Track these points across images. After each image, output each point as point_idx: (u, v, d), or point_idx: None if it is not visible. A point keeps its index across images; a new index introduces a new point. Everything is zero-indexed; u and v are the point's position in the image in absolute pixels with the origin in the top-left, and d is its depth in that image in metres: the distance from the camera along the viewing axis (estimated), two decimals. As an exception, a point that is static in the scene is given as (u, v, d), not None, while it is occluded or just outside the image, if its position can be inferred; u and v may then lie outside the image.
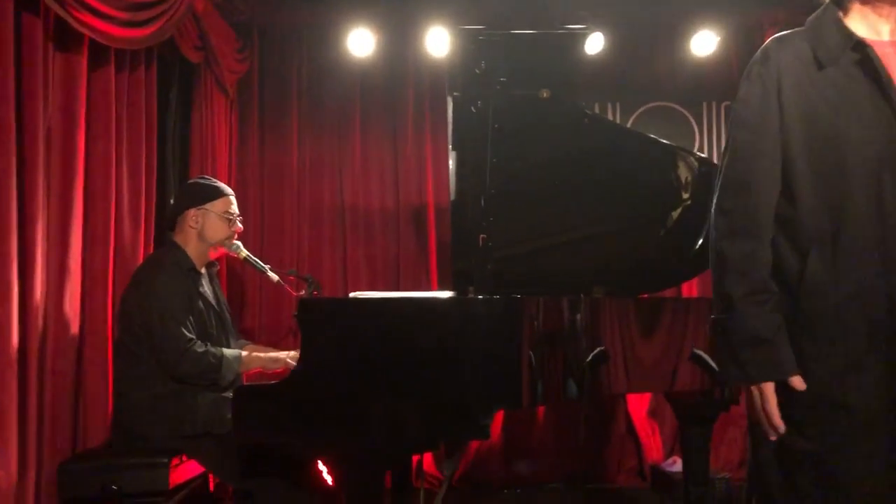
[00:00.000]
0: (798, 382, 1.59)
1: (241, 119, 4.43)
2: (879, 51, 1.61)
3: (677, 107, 4.61)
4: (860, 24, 1.66)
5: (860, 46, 1.61)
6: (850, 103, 1.60)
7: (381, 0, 4.26)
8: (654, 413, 4.47)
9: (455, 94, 2.95)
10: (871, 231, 1.57)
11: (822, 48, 1.64)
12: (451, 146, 3.06)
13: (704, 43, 4.31)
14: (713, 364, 2.92)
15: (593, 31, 4.12)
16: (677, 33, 4.38)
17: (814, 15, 1.72)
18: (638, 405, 4.45)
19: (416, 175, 4.51)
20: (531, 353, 2.40)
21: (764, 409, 1.61)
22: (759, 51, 1.72)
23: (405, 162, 4.52)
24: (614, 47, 4.30)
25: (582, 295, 2.77)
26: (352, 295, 2.74)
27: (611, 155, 3.08)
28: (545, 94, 2.83)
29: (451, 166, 3.07)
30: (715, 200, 1.72)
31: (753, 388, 1.62)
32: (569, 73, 3.02)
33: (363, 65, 4.42)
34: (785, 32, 1.75)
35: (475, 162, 2.83)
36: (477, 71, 2.75)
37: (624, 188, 3.14)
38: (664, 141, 3.20)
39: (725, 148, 1.75)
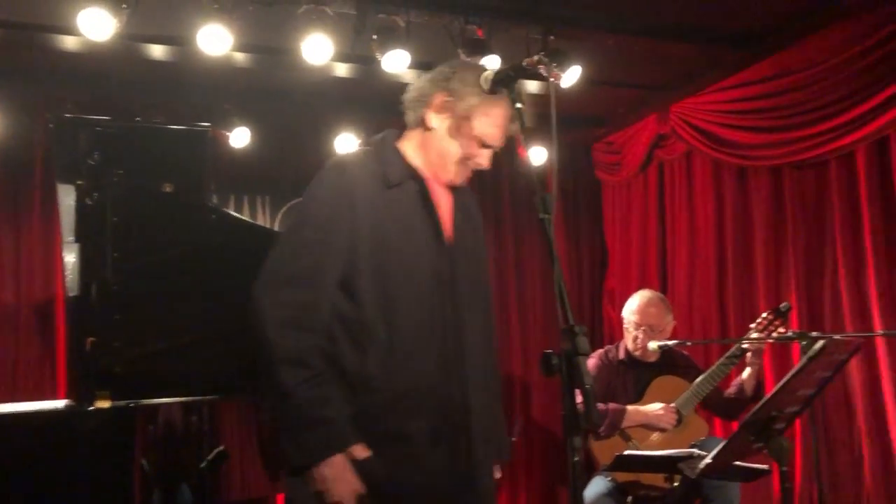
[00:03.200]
0: (359, 451, 1.68)
1: None
2: (429, 182, 1.86)
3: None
4: (411, 157, 1.88)
5: (418, 178, 1.85)
6: (409, 223, 1.80)
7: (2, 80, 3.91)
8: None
9: (78, 182, 2.77)
10: (424, 335, 1.73)
11: (389, 171, 1.83)
12: (69, 238, 2.85)
13: (346, 144, 4.57)
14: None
15: (237, 125, 4.16)
16: (321, 134, 4.59)
17: (377, 139, 1.92)
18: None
19: (43, 266, 4.13)
20: (144, 462, 2.26)
21: (345, 480, 1.65)
22: (333, 161, 1.86)
23: (29, 251, 4.11)
24: (262, 143, 4.39)
25: (201, 397, 2.68)
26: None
27: (241, 251, 3.06)
28: (168, 189, 2.78)
29: (69, 260, 2.85)
30: (265, 289, 1.73)
31: (331, 463, 1.65)
32: (199, 169, 2.97)
33: (-20, 145, 3.97)
34: (356, 151, 1.96)
35: (95, 256, 2.67)
36: (91, 162, 2.61)
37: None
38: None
39: (284, 240, 1.79)
